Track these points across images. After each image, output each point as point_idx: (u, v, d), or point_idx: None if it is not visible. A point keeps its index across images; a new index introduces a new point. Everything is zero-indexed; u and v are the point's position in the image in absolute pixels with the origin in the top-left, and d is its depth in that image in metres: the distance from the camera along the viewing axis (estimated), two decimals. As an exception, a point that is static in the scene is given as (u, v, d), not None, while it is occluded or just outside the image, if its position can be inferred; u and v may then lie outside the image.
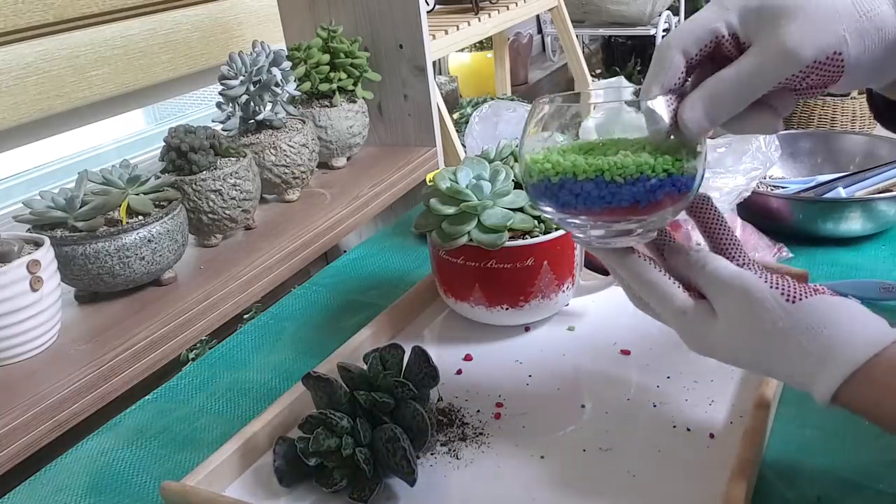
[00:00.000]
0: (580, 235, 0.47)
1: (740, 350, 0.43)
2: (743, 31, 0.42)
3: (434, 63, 1.33)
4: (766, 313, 0.41)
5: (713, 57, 0.43)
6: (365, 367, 0.52)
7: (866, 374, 0.39)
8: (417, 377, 0.51)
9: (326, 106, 1.19)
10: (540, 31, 2.95)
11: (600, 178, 0.43)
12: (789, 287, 0.42)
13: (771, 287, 0.42)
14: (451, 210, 0.62)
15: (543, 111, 0.47)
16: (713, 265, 0.44)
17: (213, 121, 1.04)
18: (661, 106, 0.44)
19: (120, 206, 0.82)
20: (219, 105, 1.05)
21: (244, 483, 0.52)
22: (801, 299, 0.41)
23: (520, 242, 0.61)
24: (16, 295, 0.70)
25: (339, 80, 1.19)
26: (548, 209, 0.46)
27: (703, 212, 0.49)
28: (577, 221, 0.46)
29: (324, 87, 1.18)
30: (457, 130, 1.51)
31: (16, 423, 0.67)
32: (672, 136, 0.44)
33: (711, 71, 0.43)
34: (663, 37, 2.70)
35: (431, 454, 0.53)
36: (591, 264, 0.70)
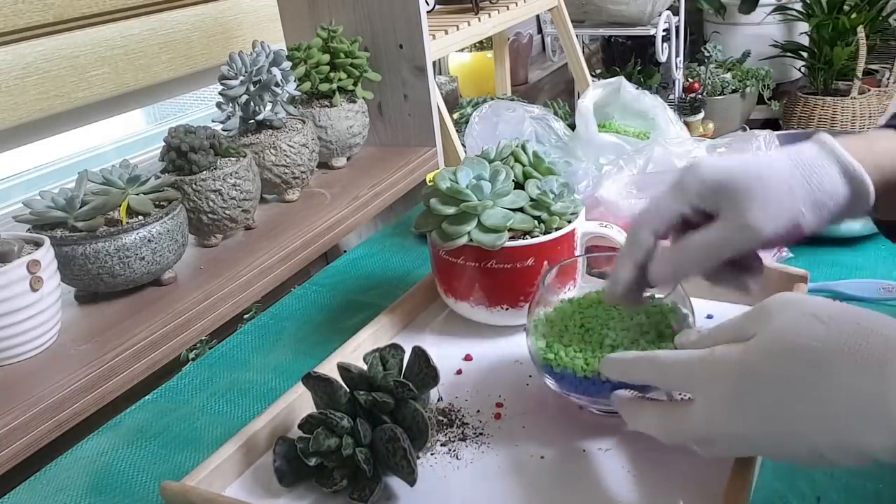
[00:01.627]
0: (583, 404, 0.54)
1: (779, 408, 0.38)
2: (705, 206, 0.46)
3: (434, 63, 1.33)
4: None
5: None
6: (365, 367, 0.52)
7: None
8: (417, 377, 0.51)
9: (326, 106, 1.19)
10: (540, 31, 2.94)
11: (596, 378, 0.50)
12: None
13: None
14: (451, 210, 0.62)
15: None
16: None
17: (213, 121, 1.04)
18: None
19: (120, 206, 0.82)
20: (219, 105, 1.05)
21: (244, 483, 0.52)
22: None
23: (520, 242, 0.61)
24: (16, 295, 0.70)
25: (339, 80, 1.19)
26: (552, 386, 0.54)
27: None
28: (578, 401, 0.54)
29: (324, 87, 1.18)
30: (457, 130, 1.51)
31: (16, 423, 0.66)
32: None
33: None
34: (664, 37, 2.70)
35: (431, 454, 0.53)
36: (592, 267, 0.70)
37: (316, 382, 0.52)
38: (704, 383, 0.41)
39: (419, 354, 0.51)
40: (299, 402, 0.57)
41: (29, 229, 0.81)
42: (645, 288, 0.50)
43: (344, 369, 0.52)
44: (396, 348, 0.53)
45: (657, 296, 0.54)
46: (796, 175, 0.45)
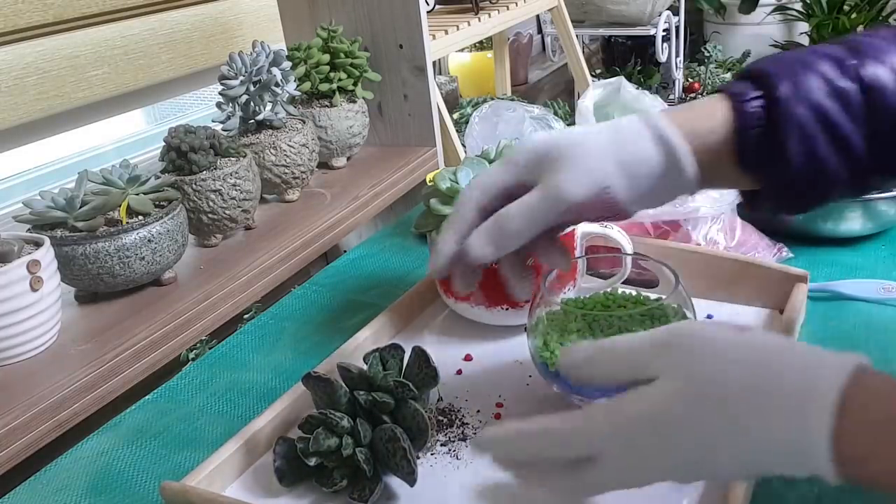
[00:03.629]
0: (582, 404, 0.54)
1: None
2: (528, 178, 0.47)
3: (434, 63, 1.33)
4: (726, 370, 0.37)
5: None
6: (365, 367, 0.52)
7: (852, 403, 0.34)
8: (417, 377, 0.51)
9: (326, 106, 1.19)
10: (540, 31, 2.95)
11: None
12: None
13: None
14: (451, 210, 0.62)
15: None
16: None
17: (213, 121, 1.04)
18: None
19: (120, 206, 0.82)
20: (219, 105, 1.05)
21: (244, 483, 0.52)
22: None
23: (520, 242, 0.61)
24: (16, 295, 0.70)
25: (339, 80, 1.19)
26: (553, 385, 0.54)
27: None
28: (574, 401, 0.54)
29: (324, 87, 1.18)
30: (457, 130, 1.51)
31: (16, 423, 0.66)
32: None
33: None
34: (664, 37, 2.70)
35: (431, 454, 0.53)
36: (592, 267, 0.70)
37: (316, 382, 0.52)
38: (614, 441, 0.37)
39: (419, 354, 0.51)
40: (299, 402, 0.57)
41: (29, 229, 0.81)
42: (476, 269, 0.48)
43: (344, 369, 0.52)
44: (396, 348, 0.53)
45: (661, 297, 0.54)
46: (610, 142, 0.45)
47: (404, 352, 0.52)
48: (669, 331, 0.39)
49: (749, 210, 0.52)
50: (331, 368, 0.54)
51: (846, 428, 0.33)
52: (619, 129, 0.46)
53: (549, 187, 0.45)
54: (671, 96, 2.87)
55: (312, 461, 0.49)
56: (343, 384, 0.52)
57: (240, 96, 1.03)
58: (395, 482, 0.50)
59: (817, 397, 0.33)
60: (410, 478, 0.48)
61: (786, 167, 0.45)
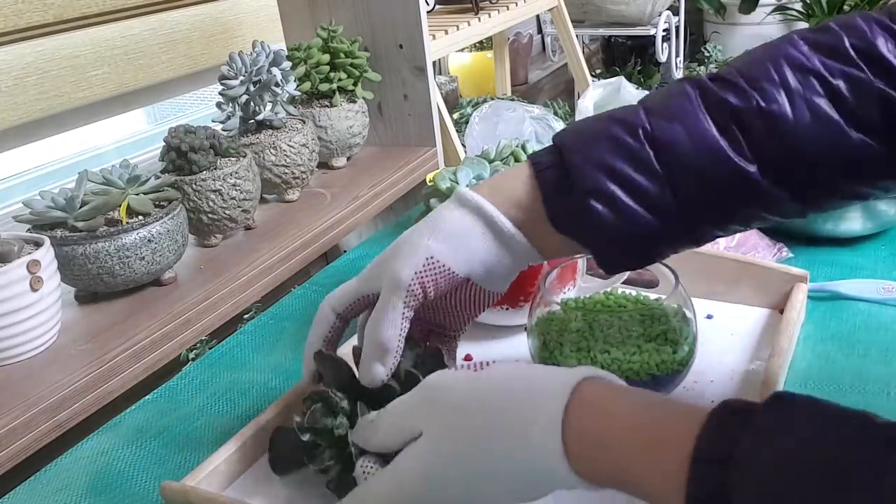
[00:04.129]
0: None
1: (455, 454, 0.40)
2: (378, 283, 0.49)
3: (434, 63, 1.33)
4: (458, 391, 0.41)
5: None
6: None
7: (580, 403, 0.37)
8: (429, 370, 0.50)
9: (326, 106, 1.19)
10: (540, 31, 2.95)
11: None
12: (474, 364, 0.44)
13: (455, 369, 0.45)
14: None
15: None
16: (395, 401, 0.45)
17: (213, 121, 1.04)
18: None
19: (120, 206, 0.82)
20: (219, 105, 1.05)
21: (244, 483, 0.52)
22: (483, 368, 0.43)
23: (520, 242, 0.61)
24: (16, 295, 0.70)
25: (339, 80, 1.19)
26: None
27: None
28: None
29: (324, 87, 1.18)
30: (457, 130, 1.51)
31: (15, 424, 0.66)
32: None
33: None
34: (664, 37, 2.70)
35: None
36: (592, 267, 0.70)
37: (325, 360, 0.51)
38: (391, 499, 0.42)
39: (435, 353, 0.51)
40: (299, 402, 0.57)
41: (29, 229, 0.81)
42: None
43: (358, 351, 0.51)
44: (415, 341, 0.52)
45: (661, 297, 0.54)
46: (424, 223, 0.50)
47: (420, 347, 0.52)
48: (421, 387, 0.43)
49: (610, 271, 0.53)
50: (346, 352, 0.54)
51: (573, 449, 0.36)
52: (432, 212, 0.50)
53: (384, 281, 0.48)
54: (671, 96, 2.87)
55: (306, 437, 0.48)
56: (353, 367, 0.51)
57: (240, 96, 1.03)
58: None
59: (543, 422, 0.37)
60: None
61: (598, 228, 0.46)
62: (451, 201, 0.50)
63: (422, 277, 0.47)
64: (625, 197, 0.45)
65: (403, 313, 0.48)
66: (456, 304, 0.52)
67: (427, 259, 0.48)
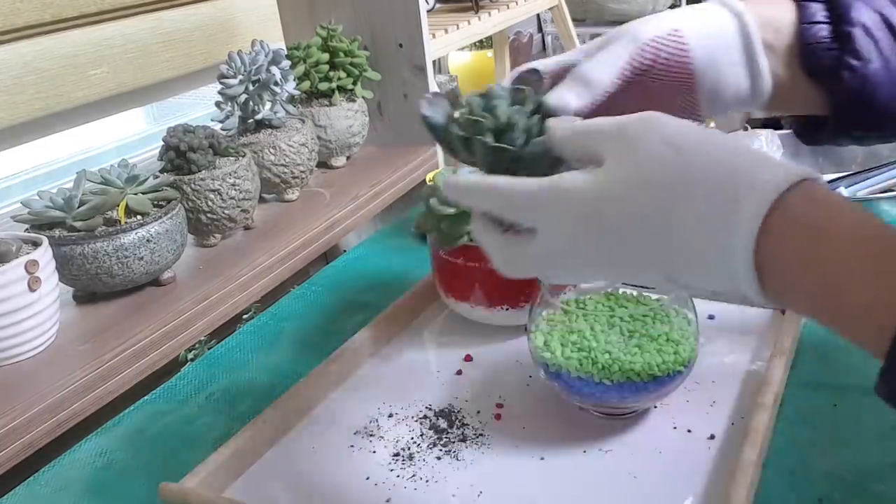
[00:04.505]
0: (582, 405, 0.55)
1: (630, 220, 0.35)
2: (597, 51, 0.46)
3: (434, 62, 1.33)
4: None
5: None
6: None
7: (785, 210, 0.32)
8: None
9: (326, 105, 1.18)
10: (540, 29, 2.94)
11: (590, 379, 0.51)
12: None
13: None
14: (451, 210, 0.62)
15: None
16: (591, 123, 0.40)
17: (212, 120, 1.04)
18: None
19: (118, 205, 0.82)
20: (218, 104, 1.05)
21: (243, 484, 0.52)
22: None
23: (520, 242, 0.61)
24: (14, 295, 0.70)
25: (339, 79, 1.18)
26: (553, 385, 0.54)
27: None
28: (574, 400, 0.54)
29: (323, 86, 1.17)
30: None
31: (14, 424, 0.66)
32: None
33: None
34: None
35: (431, 454, 0.53)
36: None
37: (523, 79, 0.45)
38: (547, 213, 0.37)
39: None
40: (299, 402, 0.57)
41: (27, 229, 0.81)
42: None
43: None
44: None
45: (661, 297, 0.53)
46: (682, 9, 0.46)
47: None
48: (628, 118, 0.38)
49: (810, 142, 0.51)
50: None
51: (767, 252, 0.32)
52: (687, 6, 0.47)
53: (620, 32, 0.45)
54: (672, 95, 2.86)
55: (456, 128, 0.42)
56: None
57: (239, 95, 1.03)
58: (432, 470, 0.50)
59: (743, 213, 0.32)
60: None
61: (853, 66, 0.44)
62: (708, 2, 0.47)
63: (658, 44, 0.45)
64: (889, 43, 0.44)
65: (622, 67, 0.44)
66: (637, 105, 0.46)
67: (674, 30, 0.45)
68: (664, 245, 0.35)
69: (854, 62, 0.45)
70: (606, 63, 0.45)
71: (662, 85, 0.46)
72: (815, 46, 0.46)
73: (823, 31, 0.46)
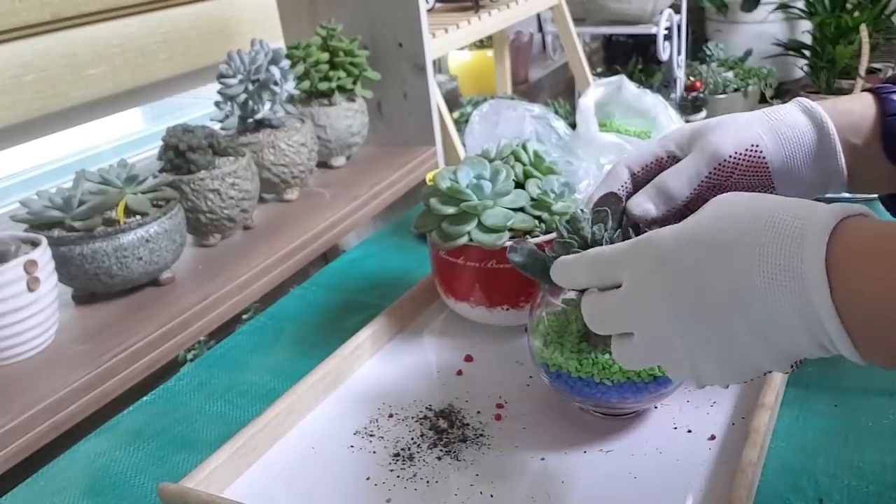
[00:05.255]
0: (582, 405, 0.55)
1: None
2: (680, 151, 0.51)
3: (434, 62, 1.33)
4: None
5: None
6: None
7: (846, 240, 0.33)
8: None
9: (325, 105, 1.18)
10: (540, 29, 2.94)
11: (590, 379, 0.51)
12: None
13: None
14: (451, 210, 0.62)
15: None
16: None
17: (211, 120, 1.04)
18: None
19: (117, 205, 0.82)
20: (217, 104, 1.05)
21: (243, 485, 0.52)
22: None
23: (520, 242, 0.61)
24: (12, 295, 0.70)
25: (339, 78, 1.18)
26: (550, 385, 0.54)
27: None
28: (575, 402, 0.54)
29: (323, 85, 1.17)
30: (457, 130, 1.50)
31: (13, 425, 0.66)
32: None
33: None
34: (665, 35, 2.70)
35: (431, 454, 0.52)
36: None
37: (610, 201, 0.50)
38: (629, 264, 0.39)
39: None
40: (298, 402, 0.57)
41: (26, 229, 0.81)
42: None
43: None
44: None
45: None
46: (761, 113, 0.50)
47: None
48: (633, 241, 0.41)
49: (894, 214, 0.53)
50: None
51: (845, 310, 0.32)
52: (770, 108, 0.50)
53: (701, 146, 0.49)
54: (672, 95, 2.86)
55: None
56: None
57: (238, 95, 1.03)
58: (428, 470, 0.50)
59: (809, 258, 0.32)
60: None
61: None
62: (794, 105, 0.49)
63: (736, 159, 0.48)
64: None
65: (701, 182, 0.48)
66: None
67: (753, 146, 0.48)
68: (729, 300, 0.35)
69: None
70: (685, 177, 0.49)
71: (739, 190, 0.47)
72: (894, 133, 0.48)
73: None
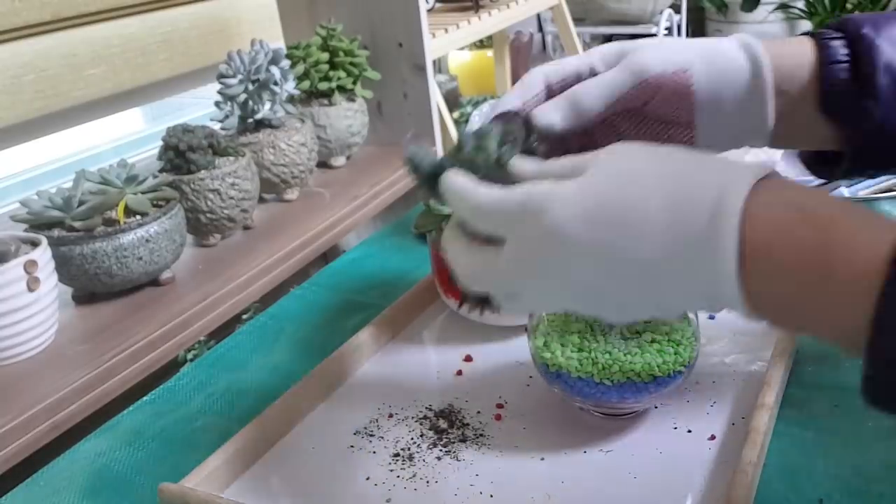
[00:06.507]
0: (582, 405, 0.54)
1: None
2: (605, 68, 0.46)
3: (434, 62, 1.33)
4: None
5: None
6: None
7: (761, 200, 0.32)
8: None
9: (325, 105, 1.18)
10: (540, 29, 2.94)
11: (590, 379, 0.50)
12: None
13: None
14: (451, 210, 0.62)
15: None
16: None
17: (211, 120, 1.04)
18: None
19: (117, 205, 0.82)
20: (217, 104, 1.05)
21: (243, 485, 0.52)
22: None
23: (520, 242, 0.61)
24: (12, 295, 0.70)
25: (339, 78, 1.18)
26: (553, 386, 0.54)
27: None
28: (575, 402, 0.54)
29: (323, 85, 1.17)
30: (457, 130, 1.50)
31: (13, 425, 0.66)
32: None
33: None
34: (665, 35, 2.70)
35: (431, 454, 0.52)
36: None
37: (510, 119, 0.44)
38: (516, 224, 0.37)
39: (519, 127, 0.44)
40: (298, 402, 0.57)
41: (26, 229, 0.81)
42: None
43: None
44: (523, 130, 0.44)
45: None
46: (697, 41, 0.46)
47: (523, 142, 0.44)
48: (587, 156, 0.38)
49: (821, 176, 0.50)
50: None
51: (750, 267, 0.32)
52: (710, 38, 0.46)
53: (627, 61, 0.45)
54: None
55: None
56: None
57: (238, 95, 1.03)
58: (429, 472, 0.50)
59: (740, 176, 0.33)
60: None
61: (873, 108, 0.43)
62: (734, 40, 0.46)
63: (661, 81, 0.44)
64: None
65: (618, 96, 0.44)
66: (634, 134, 0.46)
67: (682, 70, 0.44)
68: (634, 244, 0.34)
69: (874, 105, 0.44)
70: (602, 89, 0.44)
71: (659, 116, 0.46)
72: (835, 88, 0.45)
73: (843, 72, 0.45)
